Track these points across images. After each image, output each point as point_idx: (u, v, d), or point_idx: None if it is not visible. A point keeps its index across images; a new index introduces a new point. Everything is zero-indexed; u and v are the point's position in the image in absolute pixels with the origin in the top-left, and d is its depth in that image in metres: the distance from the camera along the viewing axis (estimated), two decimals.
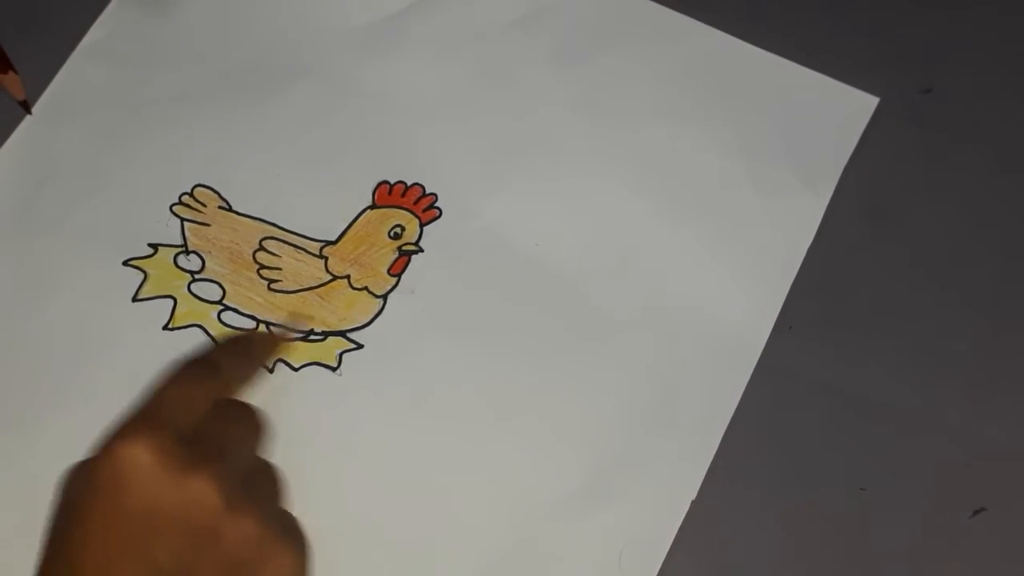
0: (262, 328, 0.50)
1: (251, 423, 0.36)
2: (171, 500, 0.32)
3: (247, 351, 0.41)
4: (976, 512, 0.47)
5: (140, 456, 0.32)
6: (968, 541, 0.46)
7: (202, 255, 0.51)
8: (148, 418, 0.34)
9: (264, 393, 0.38)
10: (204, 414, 0.35)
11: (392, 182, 0.52)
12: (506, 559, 0.46)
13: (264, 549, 0.33)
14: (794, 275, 0.50)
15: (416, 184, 0.52)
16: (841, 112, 0.53)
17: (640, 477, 0.47)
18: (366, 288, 0.50)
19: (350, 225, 0.51)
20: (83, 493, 0.33)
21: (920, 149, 0.52)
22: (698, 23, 0.55)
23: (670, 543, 0.46)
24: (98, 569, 0.32)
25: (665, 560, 0.45)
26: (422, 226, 0.51)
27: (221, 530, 0.33)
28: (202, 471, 0.33)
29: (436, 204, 0.52)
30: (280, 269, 0.50)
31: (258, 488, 0.35)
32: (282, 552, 0.34)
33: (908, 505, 0.47)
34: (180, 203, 0.52)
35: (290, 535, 0.35)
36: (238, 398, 0.37)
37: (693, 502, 0.46)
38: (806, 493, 0.47)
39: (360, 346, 0.49)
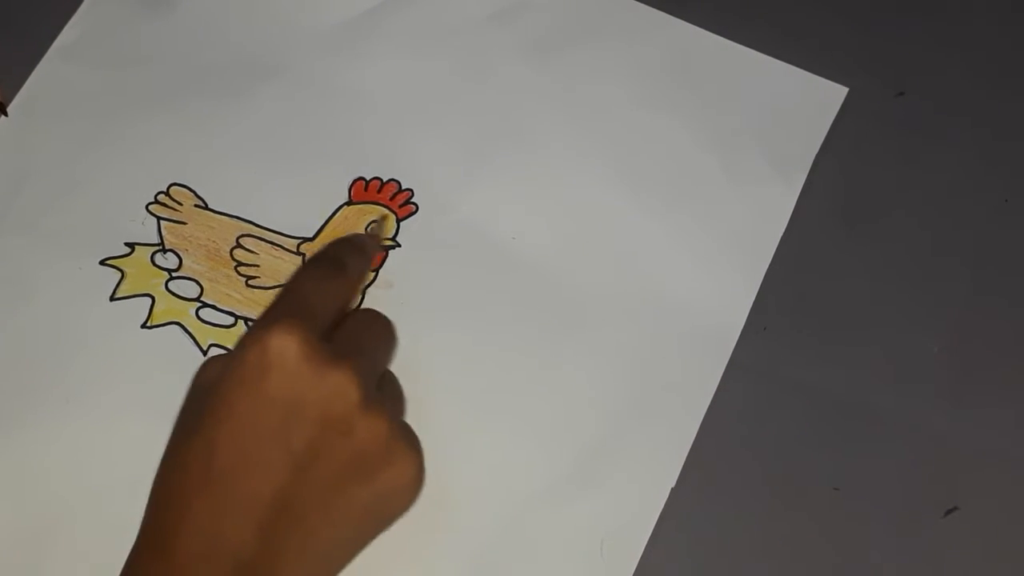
0: (360, 231, 0.50)
1: (384, 330, 0.38)
2: (313, 390, 0.33)
3: (362, 249, 0.41)
4: (949, 512, 0.47)
5: (288, 346, 0.33)
6: (941, 540, 0.46)
7: (179, 253, 0.51)
8: (293, 311, 0.35)
9: None
10: (339, 313, 0.36)
11: (368, 178, 0.52)
12: (488, 549, 0.46)
13: (391, 450, 0.34)
14: (768, 261, 0.50)
15: (392, 180, 0.52)
16: (811, 101, 0.53)
17: (620, 465, 0.47)
18: None
19: (327, 222, 0.51)
20: (229, 378, 0.33)
21: (892, 146, 0.53)
22: (671, 17, 0.55)
23: (651, 531, 0.46)
24: (236, 450, 0.32)
25: (646, 547, 0.46)
26: (399, 221, 0.51)
27: (355, 424, 0.34)
28: (343, 366, 0.33)
29: (412, 199, 0.52)
30: (258, 266, 0.50)
31: (388, 393, 0.36)
32: (406, 456, 0.35)
33: (881, 504, 0.47)
34: (156, 202, 0.52)
35: (413, 444, 0.36)
36: (359, 302, 0.37)
37: (672, 489, 0.46)
38: (780, 492, 0.47)
39: None
